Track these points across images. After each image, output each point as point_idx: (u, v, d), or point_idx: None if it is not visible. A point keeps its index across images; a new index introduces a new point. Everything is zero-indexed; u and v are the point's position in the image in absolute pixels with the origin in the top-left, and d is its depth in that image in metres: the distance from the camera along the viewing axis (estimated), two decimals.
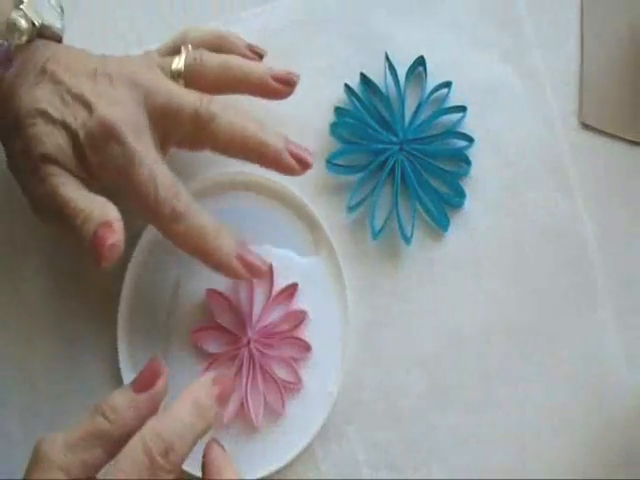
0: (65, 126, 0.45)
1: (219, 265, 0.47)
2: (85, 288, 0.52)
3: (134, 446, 0.40)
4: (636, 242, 0.52)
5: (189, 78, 0.48)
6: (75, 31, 0.50)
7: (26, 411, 0.52)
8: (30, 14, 0.47)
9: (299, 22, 0.55)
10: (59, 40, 0.49)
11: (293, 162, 0.48)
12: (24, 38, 0.46)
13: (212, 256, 0.46)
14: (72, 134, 0.45)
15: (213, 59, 0.49)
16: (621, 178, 0.53)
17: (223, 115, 0.47)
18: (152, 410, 0.43)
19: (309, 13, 0.55)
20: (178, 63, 0.48)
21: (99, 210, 0.44)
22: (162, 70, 0.48)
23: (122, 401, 0.43)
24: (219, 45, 0.51)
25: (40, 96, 0.46)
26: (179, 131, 0.47)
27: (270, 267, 0.51)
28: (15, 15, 0.46)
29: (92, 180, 0.47)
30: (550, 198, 0.53)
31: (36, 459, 0.42)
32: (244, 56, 0.51)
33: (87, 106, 0.46)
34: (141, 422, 0.42)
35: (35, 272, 0.53)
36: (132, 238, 0.51)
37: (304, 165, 0.48)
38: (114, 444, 0.41)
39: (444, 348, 0.51)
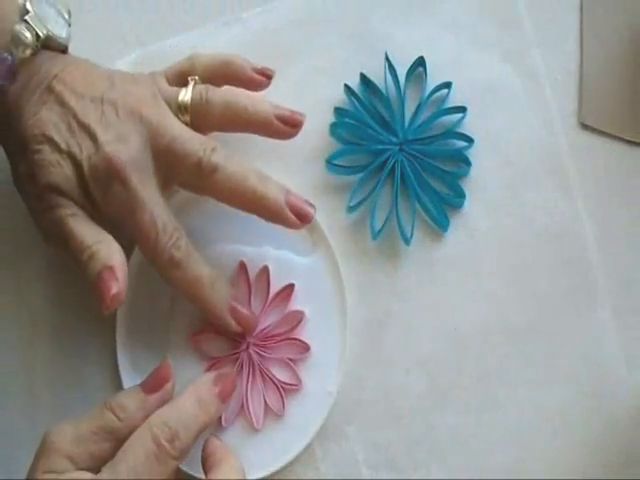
0: (70, 156, 0.45)
1: (213, 317, 0.49)
2: (86, 291, 0.52)
3: (142, 433, 0.43)
4: (636, 242, 0.52)
5: (195, 113, 0.48)
6: (76, 31, 0.50)
7: (27, 412, 0.52)
8: (35, 25, 0.46)
9: (299, 22, 0.55)
10: (64, 50, 0.49)
11: (293, 217, 0.48)
12: (28, 52, 0.46)
13: (207, 307, 0.48)
14: (77, 165, 0.45)
15: (219, 98, 0.49)
16: (621, 178, 0.53)
17: (226, 166, 0.47)
18: None
19: (309, 13, 0.55)
20: (184, 96, 0.48)
21: (105, 251, 0.45)
22: (167, 102, 0.48)
23: (132, 401, 0.45)
24: (226, 72, 0.50)
25: (46, 119, 0.46)
26: (182, 175, 0.48)
27: (267, 270, 0.51)
28: (19, 27, 0.45)
29: (96, 213, 0.47)
30: (550, 198, 0.53)
31: (43, 448, 0.43)
32: (252, 80, 0.51)
33: (93, 138, 0.46)
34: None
35: (37, 275, 0.53)
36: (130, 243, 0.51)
37: (304, 219, 0.49)
38: (122, 440, 0.43)
39: (444, 348, 0.51)
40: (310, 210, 0.49)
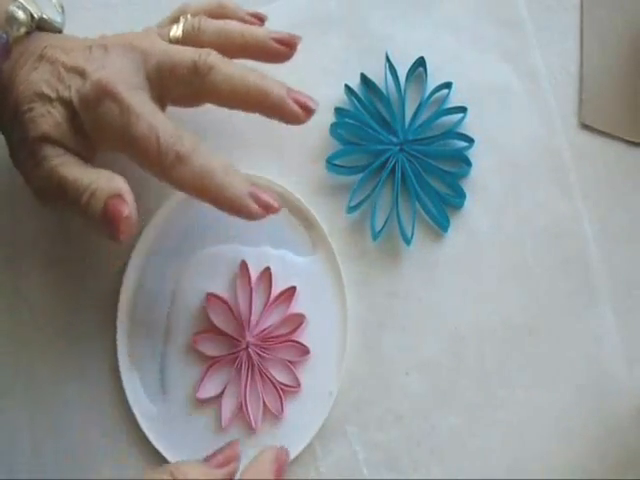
0: (61, 100, 0.45)
1: (231, 204, 0.45)
2: (85, 289, 0.52)
3: None
4: (636, 242, 0.52)
5: (188, 44, 0.48)
6: (75, 31, 0.50)
7: (27, 412, 0.52)
8: (29, 5, 0.47)
9: (299, 22, 0.55)
10: (59, 32, 0.49)
11: (296, 108, 0.47)
12: (22, 30, 0.47)
13: (223, 195, 0.44)
14: (67, 105, 0.45)
15: (212, 25, 0.48)
16: (621, 178, 0.53)
17: (222, 66, 0.46)
18: None
19: (309, 13, 0.55)
20: (176, 30, 0.48)
21: (106, 183, 0.44)
22: (160, 37, 0.48)
23: (196, 474, 0.43)
24: (219, 13, 0.50)
25: (37, 79, 0.46)
26: (178, 86, 0.47)
27: (269, 271, 0.51)
28: (13, 7, 0.46)
29: (91, 152, 0.46)
30: (550, 198, 0.53)
31: None
32: (245, 21, 0.50)
33: (81, 73, 0.45)
34: None
35: (36, 273, 0.53)
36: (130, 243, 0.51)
37: (308, 111, 0.47)
38: None
39: (444, 348, 0.51)
40: (312, 102, 0.47)
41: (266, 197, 0.45)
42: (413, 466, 0.51)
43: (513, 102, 0.53)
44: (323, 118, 0.53)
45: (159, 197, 0.52)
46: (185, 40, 0.48)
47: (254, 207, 0.45)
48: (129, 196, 0.44)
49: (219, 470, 0.45)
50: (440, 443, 0.51)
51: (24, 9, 0.47)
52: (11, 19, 0.46)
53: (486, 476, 0.50)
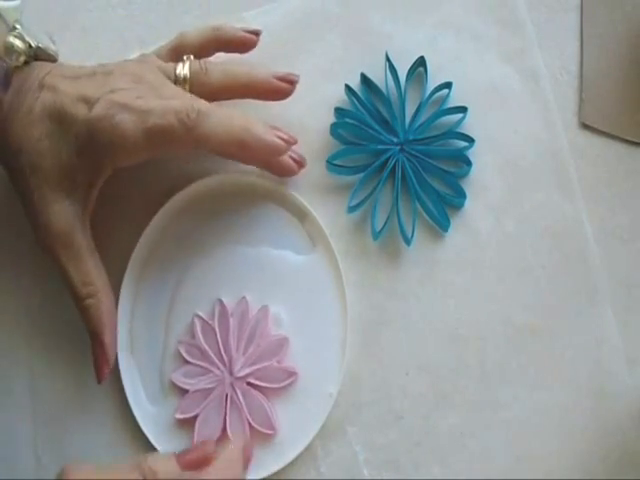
0: (65, 139, 0.46)
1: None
2: None
3: None
4: (636, 242, 0.52)
5: (194, 85, 0.49)
6: (75, 31, 0.50)
7: (27, 412, 0.52)
8: (26, 36, 0.47)
9: (299, 22, 0.55)
10: (54, 61, 0.50)
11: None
12: (22, 59, 0.47)
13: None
14: (73, 139, 0.46)
15: (218, 66, 0.50)
16: (621, 178, 0.53)
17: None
18: None
19: (309, 13, 0.55)
20: (183, 69, 0.49)
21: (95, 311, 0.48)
22: (164, 74, 0.48)
23: (166, 471, 0.43)
24: (217, 35, 0.51)
25: (37, 135, 0.46)
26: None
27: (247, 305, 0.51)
28: (11, 37, 0.47)
29: (97, 174, 0.47)
30: (550, 198, 0.53)
31: None
32: (243, 40, 0.51)
33: (87, 100, 0.46)
34: None
35: (37, 275, 0.53)
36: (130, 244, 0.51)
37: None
38: None
39: (444, 348, 0.51)
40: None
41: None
42: (413, 466, 0.51)
43: (513, 102, 0.53)
44: (323, 118, 0.53)
45: (160, 197, 0.52)
46: (192, 80, 0.49)
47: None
48: (112, 348, 0.49)
49: (186, 474, 0.44)
50: (441, 443, 0.51)
51: (22, 39, 0.47)
52: (10, 49, 0.47)
53: (486, 476, 0.50)
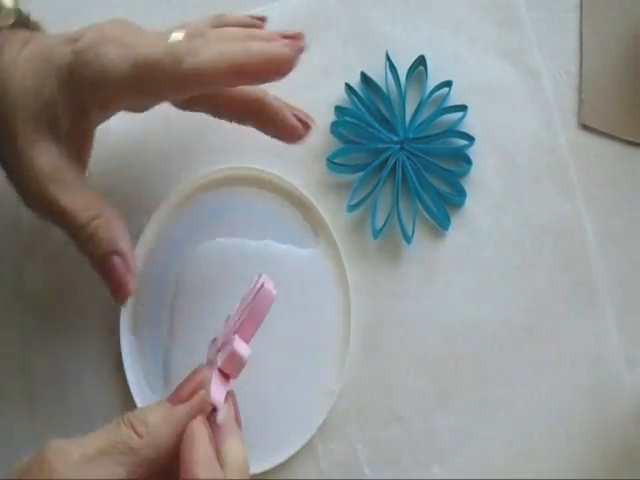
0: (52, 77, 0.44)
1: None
2: (87, 289, 0.52)
3: None
4: (636, 242, 0.52)
5: None
6: None
7: (27, 412, 0.52)
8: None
9: (299, 21, 0.55)
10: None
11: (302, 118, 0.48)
12: (10, 20, 0.45)
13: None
14: (61, 76, 0.44)
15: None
16: (621, 178, 0.53)
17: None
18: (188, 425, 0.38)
19: (309, 13, 0.55)
20: (178, 35, 0.45)
21: (105, 230, 0.43)
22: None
23: (156, 415, 0.38)
24: (220, 22, 0.48)
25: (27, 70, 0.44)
26: None
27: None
28: None
29: (85, 119, 0.45)
30: (550, 198, 0.53)
31: (41, 469, 0.36)
32: (247, 24, 0.48)
33: (72, 39, 0.45)
34: (175, 440, 0.37)
35: (37, 274, 0.53)
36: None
37: (307, 127, 0.48)
38: (140, 463, 0.36)
39: (444, 348, 0.51)
40: (312, 120, 0.48)
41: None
42: (413, 466, 0.51)
43: (513, 101, 0.54)
44: (324, 117, 0.53)
45: (161, 192, 0.52)
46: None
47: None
48: (131, 258, 0.44)
49: (182, 406, 0.38)
50: (441, 442, 0.51)
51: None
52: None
53: (486, 476, 0.50)
